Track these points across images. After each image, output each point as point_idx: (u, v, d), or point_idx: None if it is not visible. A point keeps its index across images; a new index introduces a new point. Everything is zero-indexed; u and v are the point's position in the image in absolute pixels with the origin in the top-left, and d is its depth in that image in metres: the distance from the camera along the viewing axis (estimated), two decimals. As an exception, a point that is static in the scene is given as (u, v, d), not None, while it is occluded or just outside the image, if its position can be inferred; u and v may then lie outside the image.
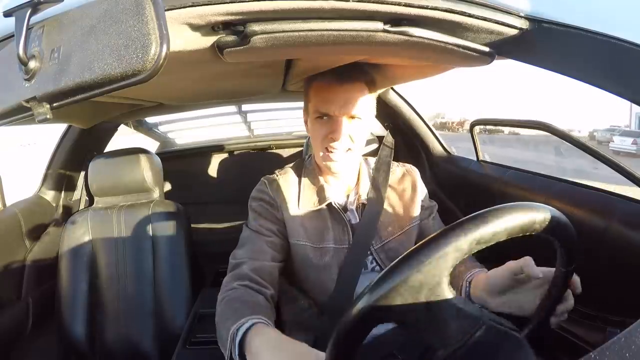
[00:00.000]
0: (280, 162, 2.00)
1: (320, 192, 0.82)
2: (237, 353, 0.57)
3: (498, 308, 0.61)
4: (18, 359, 1.05)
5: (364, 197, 0.83)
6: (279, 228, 0.81)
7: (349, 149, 0.77)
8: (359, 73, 0.77)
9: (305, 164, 0.88)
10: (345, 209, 0.83)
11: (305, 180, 0.84)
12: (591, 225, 0.77)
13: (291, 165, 0.90)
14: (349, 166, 0.83)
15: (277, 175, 0.86)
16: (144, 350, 1.13)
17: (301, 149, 1.80)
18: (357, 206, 0.83)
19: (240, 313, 0.62)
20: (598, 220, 0.77)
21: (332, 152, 0.76)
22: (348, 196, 0.85)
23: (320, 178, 0.84)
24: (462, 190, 1.28)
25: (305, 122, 0.85)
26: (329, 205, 0.81)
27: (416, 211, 0.85)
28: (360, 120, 0.77)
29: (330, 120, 0.75)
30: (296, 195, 0.82)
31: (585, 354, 0.31)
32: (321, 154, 0.78)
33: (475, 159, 1.29)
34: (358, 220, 0.82)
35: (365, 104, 0.77)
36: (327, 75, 0.77)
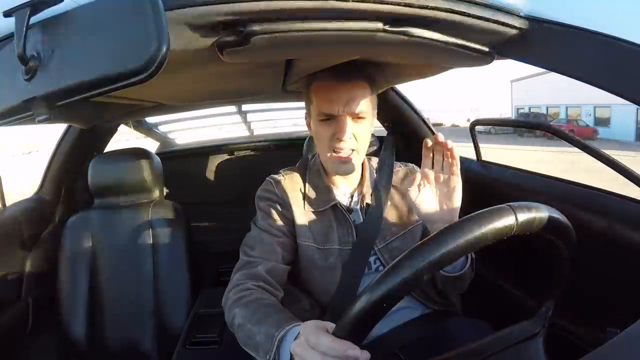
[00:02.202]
0: (280, 163, 1.99)
1: (326, 193, 0.82)
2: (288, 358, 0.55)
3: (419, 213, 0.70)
4: (18, 359, 1.05)
5: (368, 197, 0.83)
6: (289, 228, 0.81)
7: (355, 149, 0.77)
8: (359, 71, 0.77)
9: (309, 164, 0.88)
10: (349, 209, 0.83)
11: (310, 181, 0.84)
12: (591, 225, 0.77)
13: (295, 165, 0.90)
14: (355, 166, 0.83)
15: (282, 176, 0.86)
16: (143, 350, 1.13)
17: (301, 149, 1.80)
18: (361, 206, 0.83)
19: (277, 317, 0.62)
20: (598, 220, 0.77)
21: (338, 152, 0.76)
22: (352, 196, 0.85)
23: (325, 179, 0.83)
24: (462, 190, 1.27)
25: (308, 125, 0.84)
26: (334, 206, 0.81)
27: None
28: (364, 120, 0.77)
29: (335, 120, 0.75)
30: (301, 196, 0.82)
31: (585, 354, 0.32)
32: (328, 155, 0.78)
33: (475, 158, 1.29)
34: (362, 220, 0.82)
35: (368, 102, 0.77)
36: (327, 76, 0.76)
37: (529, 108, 20.58)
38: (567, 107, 18.00)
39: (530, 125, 1.40)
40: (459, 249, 0.38)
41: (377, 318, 0.41)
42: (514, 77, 23.61)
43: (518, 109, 22.18)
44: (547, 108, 19.47)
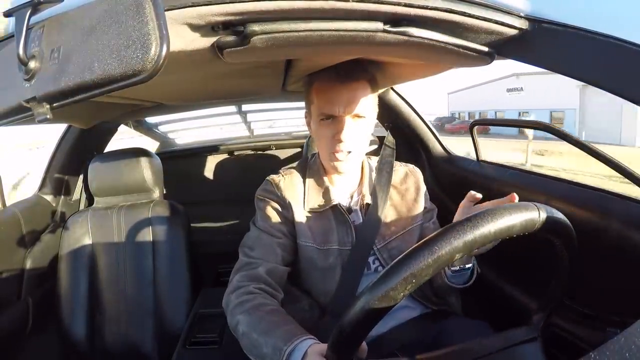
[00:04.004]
0: (280, 163, 2.00)
1: (326, 194, 0.82)
2: None
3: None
4: (18, 359, 1.05)
5: (367, 197, 0.83)
6: (289, 229, 0.81)
7: (355, 148, 0.77)
8: (360, 71, 0.76)
9: (309, 164, 0.87)
10: (349, 210, 0.83)
11: (309, 181, 0.84)
12: (591, 225, 0.77)
13: (294, 165, 0.89)
14: (355, 166, 0.83)
15: (282, 176, 0.85)
16: (144, 350, 1.13)
17: (301, 149, 1.80)
18: (360, 206, 0.83)
19: (285, 329, 0.62)
20: (598, 220, 0.77)
21: (339, 152, 0.76)
22: (352, 197, 0.85)
23: (325, 179, 0.83)
24: (462, 190, 1.27)
25: (308, 124, 0.84)
26: (334, 207, 0.81)
27: (419, 212, 0.85)
28: (364, 119, 0.76)
29: (335, 120, 0.75)
30: (301, 196, 0.82)
31: (585, 354, 0.32)
32: (328, 155, 0.78)
33: (475, 159, 1.29)
34: (361, 220, 0.82)
35: (369, 102, 0.77)
36: (328, 76, 0.76)
37: (459, 113, 30.65)
38: (479, 112, 27.26)
39: (529, 125, 1.41)
40: (491, 234, 0.40)
41: (375, 320, 0.42)
42: (450, 90, 33.45)
43: (452, 114, 32.03)
44: (469, 113, 29.33)
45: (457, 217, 0.66)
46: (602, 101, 16.05)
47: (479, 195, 0.63)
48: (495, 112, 24.96)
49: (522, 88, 23.68)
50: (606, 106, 15.84)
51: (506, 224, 0.40)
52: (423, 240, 0.41)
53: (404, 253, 0.41)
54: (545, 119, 19.46)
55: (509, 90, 24.66)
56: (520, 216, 0.41)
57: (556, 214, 0.44)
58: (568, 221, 0.46)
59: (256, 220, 0.83)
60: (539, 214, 0.42)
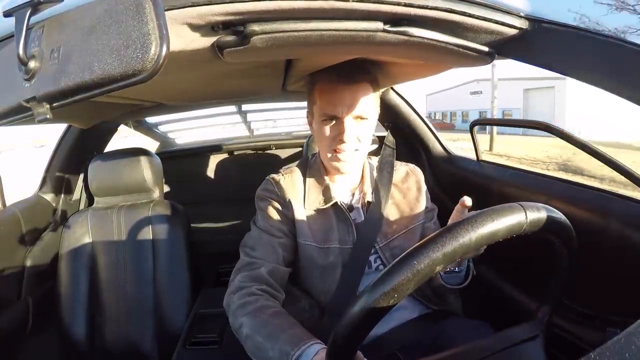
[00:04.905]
0: (280, 162, 2.00)
1: (326, 192, 0.82)
2: None
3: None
4: (18, 359, 1.05)
5: (369, 195, 0.83)
6: (290, 228, 0.81)
7: (356, 149, 0.77)
8: (363, 73, 0.76)
9: (309, 163, 0.88)
10: (350, 208, 0.83)
11: (310, 180, 0.84)
12: (591, 225, 0.77)
13: (295, 164, 0.89)
14: (356, 166, 0.83)
15: (282, 175, 0.85)
16: (144, 350, 1.13)
17: (301, 149, 1.80)
18: (362, 204, 0.83)
19: (292, 333, 0.63)
20: (598, 220, 0.77)
21: (340, 153, 0.76)
22: (353, 195, 0.85)
23: (326, 177, 0.83)
24: (462, 190, 1.27)
25: (310, 124, 0.84)
26: (335, 204, 0.81)
27: (421, 211, 0.85)
28: (366, 121, 0.77)
29: (338, 122, 0.75)
30: (302, 195, 0.82)
31: (585, 354, 0.32)
32: (329, 155, 0.78)
33: (475, 158, 1.29)
34: (363, 219, 0.82)
35: (371, 103, 0.77)
36: (331, 76, 0.76)
37: (434, 113, 34.84)
38: (450, 112, 32.29)
39: (529, 125, 1.41)
40: (472, 243, 0.39)
41: (371, 325, 0.42)
42: (428, 92, 37.06)
43: (430, 113, 36.11)
44: (442, 113, 33.91)
45: (449, 223, 0.67)
46: (538, 102, 22.01)
47: (469, 203, 0.62)
48: (462, 112, 30.33)
49: (481, 91, 27.46)
50: (542, 106, 21.22)
51: (489, 230, 0.39)
52: (404, 254, 0.40)
53: (386, 268, 0.41)
54: (499, 117, 23.59)
55: (471, 93, 28.88)
56: (504, 220, 0.40)
57: (548, 212, 0.43)
58: (562, 216, 0.45)
59: (257, 220, 0.83)
60: (526, 214, 0.41)
